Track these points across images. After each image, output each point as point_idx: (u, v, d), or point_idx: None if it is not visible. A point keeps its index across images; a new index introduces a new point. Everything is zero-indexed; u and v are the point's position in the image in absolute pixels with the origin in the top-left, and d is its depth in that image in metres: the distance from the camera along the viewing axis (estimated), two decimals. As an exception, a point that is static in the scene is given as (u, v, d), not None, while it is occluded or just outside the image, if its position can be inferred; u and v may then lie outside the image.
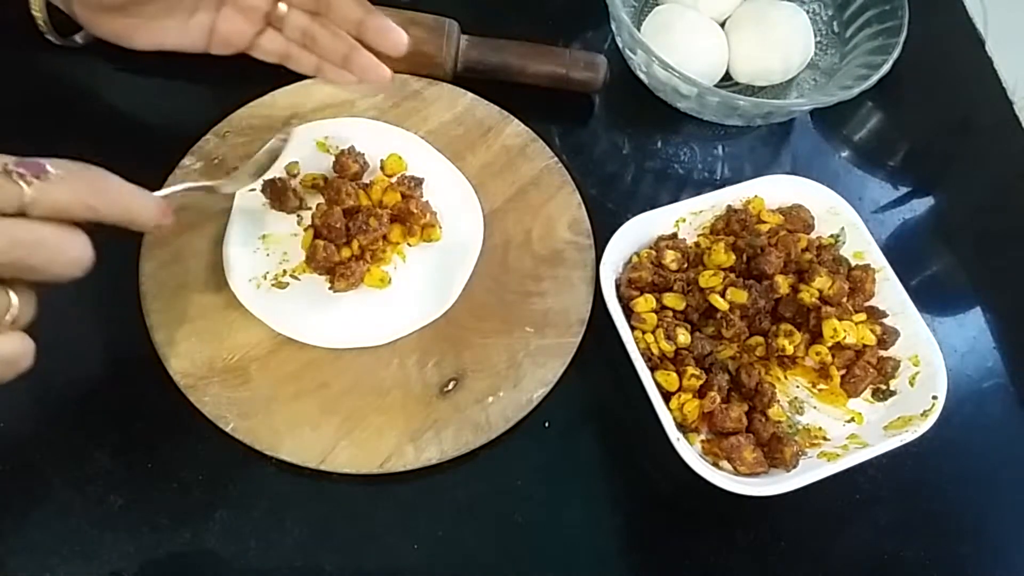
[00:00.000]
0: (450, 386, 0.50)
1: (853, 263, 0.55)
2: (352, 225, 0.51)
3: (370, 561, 0.47)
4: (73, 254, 0.34)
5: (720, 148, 0.65)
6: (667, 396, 0.49)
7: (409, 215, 0.53)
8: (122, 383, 0.50)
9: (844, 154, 0.66)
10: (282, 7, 0.50)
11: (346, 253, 0.52)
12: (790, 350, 0.50)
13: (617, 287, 0.53)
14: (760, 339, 0.51)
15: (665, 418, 0.48)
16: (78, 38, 0.47)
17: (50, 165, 0.33)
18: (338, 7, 0.49)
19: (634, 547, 0.49)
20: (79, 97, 0.60)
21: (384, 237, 0.53)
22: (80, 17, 0.45)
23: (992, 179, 0.69)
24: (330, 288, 0.51)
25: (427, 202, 0.54)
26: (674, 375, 0.49)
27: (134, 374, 0.50)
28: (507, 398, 0.50)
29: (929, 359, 0.51)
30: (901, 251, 0.58)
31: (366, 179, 0.56)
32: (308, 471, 0.47)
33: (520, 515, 0.49)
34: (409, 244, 0.54)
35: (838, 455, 0.49)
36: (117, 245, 0.52)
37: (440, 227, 0.54)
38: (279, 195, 0.53)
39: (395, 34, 0.48)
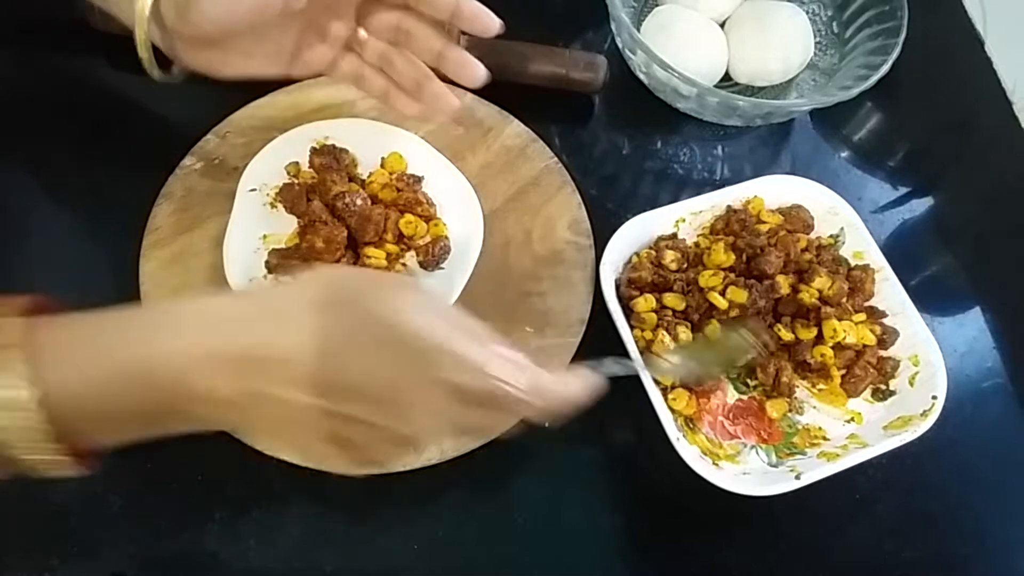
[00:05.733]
0: (450, 386, 0.50)
1: (853, 263, 0.55)
2: (340, 205, 0.51)
3: (370, 561, 0.47)
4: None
5: (720, 148, 0.65)
6: (664, 392, 0.50)
7: (416, 204, 0.53)
8: (122, 383, 0.50)
9: (844, 154, 0.66)
10: (362, 33, 0.50)
11: (379, 254, 0.52)
12: (805, 336, 0.51)
13: (617, 287, 0.53)
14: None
15: (665, 418, 0.48)
16: (175, 72, 0.49)
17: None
18: (418, 37, 0.49)
19: (634, 547, 0.49)
20: (79, 97, 0.61)
21: (401, 237, 0.53)
22: (179, 52, 0.46)
23: (992, 179, 0.69)
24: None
25: (427, 193, 0.54)
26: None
27: (134, 374, 0.50)
28: (507, 398, 0.50)
29: (929, 359, 0.51)
30: (901, 251, 0.58)
31: (364, 175, 0.56)
32: (308, 471, 0.47)
33: (520, 515, 0.49)
34: (416, 240, 0.54)
35: (838, 455, 0.49)
36: (118, 245, 0.53)
37: (443, 222, 0.54)
38: (293, 199, 0.53)
39: (473, 67, 0.49)
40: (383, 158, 0.56)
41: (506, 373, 0.36)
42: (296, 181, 0.54)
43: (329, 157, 0.54)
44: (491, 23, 0.46)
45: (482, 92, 0.60)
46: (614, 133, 0.64)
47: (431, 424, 0.36)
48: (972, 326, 0.60)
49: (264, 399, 0.34)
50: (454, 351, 0.35)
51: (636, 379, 0.49)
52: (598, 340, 0.53)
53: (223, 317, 0.35)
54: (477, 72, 0.49)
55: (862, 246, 0.56)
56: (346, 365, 0.34)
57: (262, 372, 0.33)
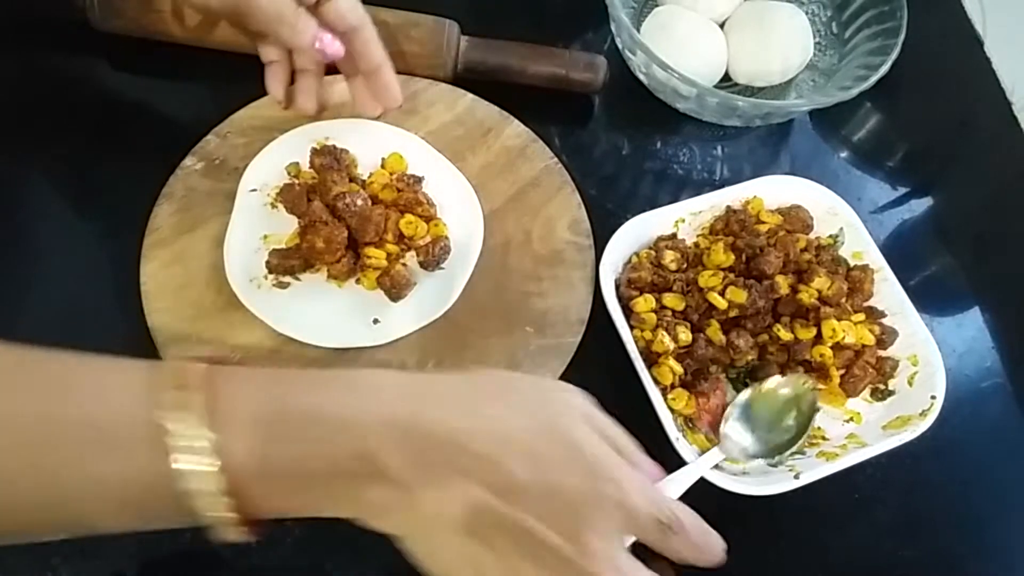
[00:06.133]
0: (450, 386, 0.50)
1: (852, 263, 0.55)
2: (340, 205, 0.51)
3: (370, 561, 0.47)
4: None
5: (719, 149, 0.65)
6: (664, 392, 0.50)
7: (416, 204, 0.53)
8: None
9: (843, 155, 0.66)
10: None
11: (379, 254, 0.52)
12: (804, 335, 0.51)
13: (617, 287, 0.53)
14: (766, 337, 0.52)
15: (665, 417, 0.48)
16: None
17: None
18: (363, 45, 0.53)
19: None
20: (80, 97, 0.61)
21: (401, 237, 0.53)
22: None
23: (991, 179, 0.69)
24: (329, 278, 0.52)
25: (427, 193, 0.54)
26: (667, 369, 0.49)
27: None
28: (507, 398, 0.50)
29: (928, 359, 0.52)
30: (900, 251, 0.58)
31: (364, 175, 0.56)
32: (309, 471, 0.47)
33: (520, 515, 0.49)
34: (417, 240, 0.54)
35: (837, 455, 0.49)
36: (118, 246, 0.53)
37: (444, 223, 0.54)
38: (294, 200, 0.53)
39: (395, 87, 0.54)
40: (383, 158, 0.56)
41: (672, 504, 0.36)
42: (297, 181, 0.54)
43: (329, 157, 0.54)
44: (391, 100, 0.55)
45: (482, 92, 0.60)
46: (614, 133, 0.64)
47: (603, 548, 0.33)
48: (971, 326, 0.60)
49: (436, 486, 0.32)
50: (628, 472, 0.35)
51: (636, 379, 0.49)
52: (598, 340, 0.53)
53: (416, 392, 0.33)
54: (396, 100, 0.55)
55: (861, 246, 0.56)
56: (534, 466, 0.32)
57: (441, 452, 0.32)
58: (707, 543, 0.37)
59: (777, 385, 0.50)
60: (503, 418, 0.34)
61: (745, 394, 0.51)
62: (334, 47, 0.51)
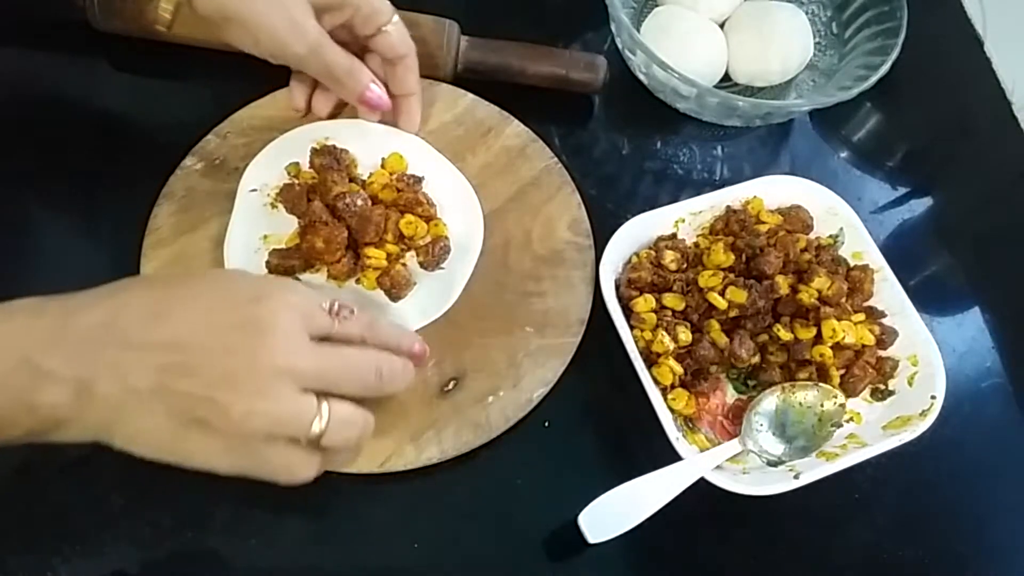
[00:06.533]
0: (450, 386, 0.50)
1: (852, 263, 0.55)
2: (340, 205, 0.51)
3: (370, 560, 0.47)
4: (370, 376, 0.40)
5: (719, 149, 0.65)
6: (664, 392, 0.50)
7: (416, 204, 0.53)
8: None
9: (843, 155, 0.66)
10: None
11: (379, 255, 0.52)
12: (804, 335, 0.51)
13: (617, 287, 0.53)
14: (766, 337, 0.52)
15: (665, 417, 0.48)
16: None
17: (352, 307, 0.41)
18: (403, 72, 0.55)
19: (634, 547, 0.49)
20: (80, 97, 0.61)
21: (401, 237, 0.53)
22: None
23: (991, 179, 0.69)
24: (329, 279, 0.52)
25: (427, 193, 0.55)
26: (667, 369, 0.50)
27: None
28: (507, 398, 0.50)
29: (928, 359, 0.51)
30: (900, 251, 0.58)
31: (364, 175, 0.56)
32: (308, 471, 0.47)
33: (520, 515, 0.49)
34: (417, 240, 0.54)
35: (837, 455, 0.49)
36: (118, 245, 0.53)
37: (444, 223, 0.54)
38: (294, 200, 0.53)
39: (416, 117, 0.56)
40: (383, 158, 0.56)
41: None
42: (297, 181, 0.54)
43: (330, 157, 0.54)
44: (410, 127, 0.57)
45: (482, 92, 0.60)
46: (614, 133, 0.64)
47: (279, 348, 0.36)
48: (971, 326, 0.60)
49: (106, 375, 0.34)
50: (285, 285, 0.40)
51: (636, 379, 0.49)
52: (598, 340, 0.53)
53: (49, 309, 0.35)
54: (414, 124, 0.57)
55: (861, 246, 0.56)
56: (184, 312, 0.36)
57: (99, 341, 0.34)
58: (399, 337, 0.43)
59: (811, 399, 0.51)
60: (143, 292, 0.37)
61: (773, 401, 0.51)
62: (381, 102, 0.54)
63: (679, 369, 0.50)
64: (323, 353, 0.38)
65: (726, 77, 0.65)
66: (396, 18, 0.53)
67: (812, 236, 0.57)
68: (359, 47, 0.54)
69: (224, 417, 0.35)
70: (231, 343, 0.36)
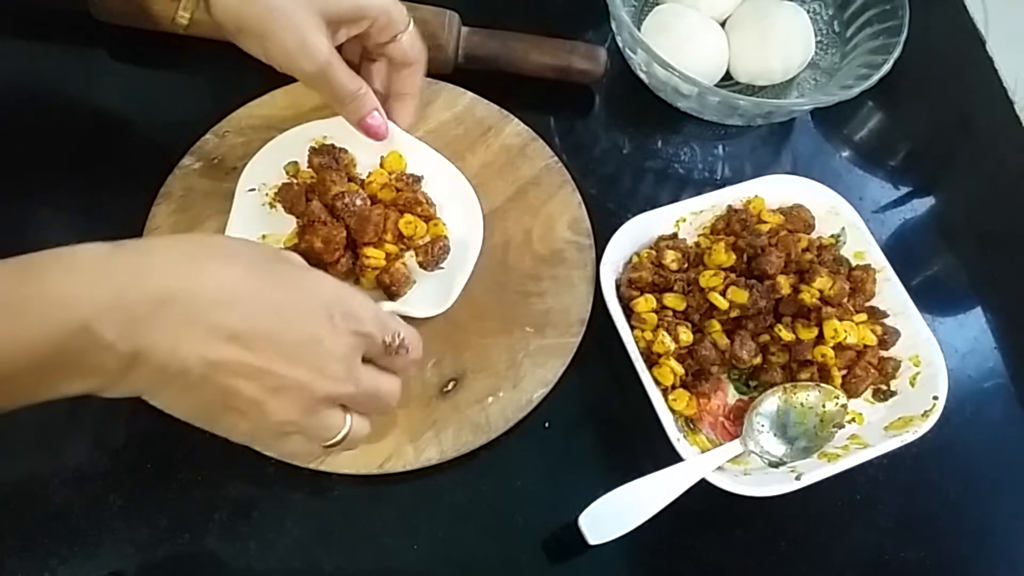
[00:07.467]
0: (450, 386, 0.50)
1: (854, 263, 0.55)
2: (339, 205, 0.51)
3: (369, 561, 0.47)
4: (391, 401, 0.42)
5: (720, 148, 0.64)
6: (665, 392, 0.50)
7: (415, 204, 0.53)
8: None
9: (845, 154, 0.66)
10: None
11: (378, 254, 0.52)
12: (805, 335, 0.51)
13: (617, 287, 0.53)
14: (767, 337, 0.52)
15: (665, 417, 0.48)
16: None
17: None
18: (409, 75, 0.55)
19: (634, 547, 0.49)
20: (79, 97, 0.60)
21: (401, 237, 0.53)
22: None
23: (993, 179, 0.69)
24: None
25: (426, 193, 0.54)
26: (668, 369, 0.49)
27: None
28: (507, 398, 0.50)
29: (930, 359, 0.51)
30: (902, 251, 0.58)
31: (363, 174, 0.56)
32: (307, 471, 0.47)
33: (520, 515, 0.49)
34: (416, 240, 0.53)
35: (838, 455, 0.49)
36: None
37: (443, 222, 0.54)
38: (292, 199, 0.53)
39: (411, 114, 0.56)
40: (382, 158, 0.56)
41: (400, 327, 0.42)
42: (295, 181, 0.54)
43: (328, 157, 0.54)
44: (403, 122, 0.56)
45: (482, 86, 0.60)
46: (614, 132, 0.64)
47: (339, 369, 0.38)
48: (973, 326, 0.60)
49: (163, 343, 0.33)
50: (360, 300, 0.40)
51: (636, 379, 0.49)
52: (598, 340, 0.53)
53: (118, 266, 0.34)
54: (409, 118, 0.56)
55: (863, 246, 0.55)
56: (257, 307, 0.35)
57: (162, 310, 0.33)
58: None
59: (812, 400, 0.50)
60: (222, 271, 0.36)
61: (775, 401, 0.50)
62: (381, 130, 0.54)
63: (680, 369, 0.50)
64: (366, 380, 0.40)
65: (727, 76, 0.65)
66: (412, 27, 0.53)
67: (814, 236, 0.56)
68: (371, 52, 0.55)
69: (263, 418, 0.37)
70: (292, 356, 0.36)
